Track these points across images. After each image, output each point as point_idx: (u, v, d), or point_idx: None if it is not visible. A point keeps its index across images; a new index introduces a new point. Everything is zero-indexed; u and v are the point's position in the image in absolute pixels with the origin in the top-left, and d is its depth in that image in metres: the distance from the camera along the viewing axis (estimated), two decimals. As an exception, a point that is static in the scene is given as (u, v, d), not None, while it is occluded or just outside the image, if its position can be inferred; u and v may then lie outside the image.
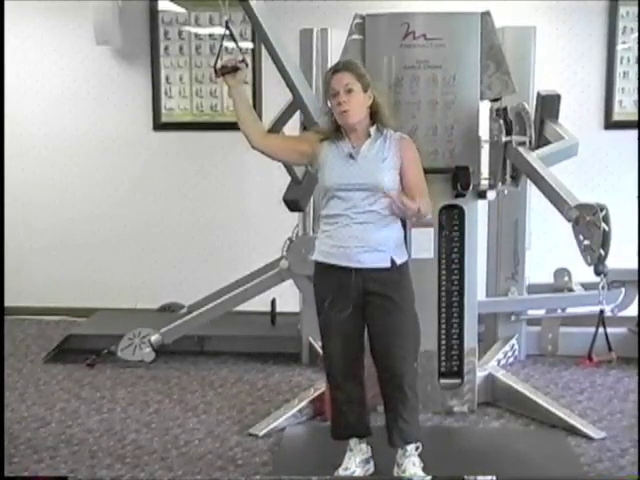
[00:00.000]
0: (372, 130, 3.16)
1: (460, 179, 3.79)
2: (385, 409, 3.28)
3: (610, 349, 3.32)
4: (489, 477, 3.19)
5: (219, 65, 3.20)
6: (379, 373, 3.25)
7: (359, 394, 3.31)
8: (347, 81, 3.08)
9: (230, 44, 3.37)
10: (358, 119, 3.12)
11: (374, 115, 3.16)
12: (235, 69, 3.19)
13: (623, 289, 4.58)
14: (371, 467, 3.36)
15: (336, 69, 3.15)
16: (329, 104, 3.17)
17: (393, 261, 3.14)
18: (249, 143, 3.22)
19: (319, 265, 3.23)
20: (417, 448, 3.28)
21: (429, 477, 3.21)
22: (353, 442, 3.34)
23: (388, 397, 3.24)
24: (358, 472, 3.30)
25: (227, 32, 3.34)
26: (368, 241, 3.10)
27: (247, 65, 3.27)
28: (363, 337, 3.26)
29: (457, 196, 3.87)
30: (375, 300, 3.16)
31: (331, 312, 3.18)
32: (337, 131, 3.18)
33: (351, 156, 3.13)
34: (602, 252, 3.25)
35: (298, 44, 4.57)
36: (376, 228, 3.10)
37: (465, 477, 3.17)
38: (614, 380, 4.49)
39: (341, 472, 3.30)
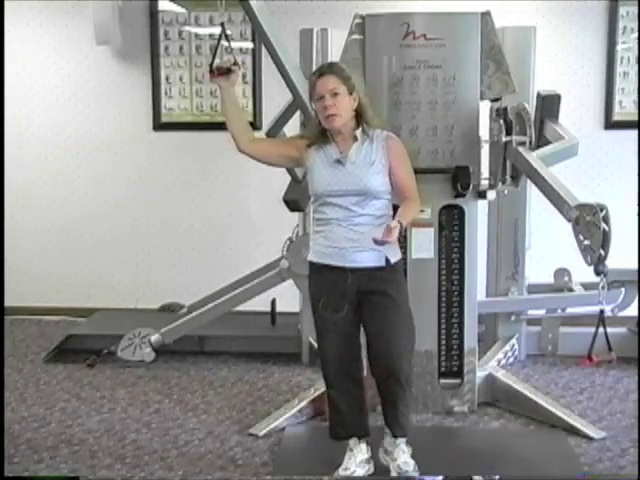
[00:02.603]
0: (358, 133, 3.15)
1: (460, 179, 3.79)
2: (383, 404, 3.31)
3: (610, 349, 3.32)
4: (496, 477, 3.19)
5: (215, 65, 3.21)
6: (376, 370, 3.27)
7: (357, 394, 3.32)
8: (333, 85, 3.07)
9: (226, 44, 3.37)
10: (344, 122, 3.12)
11: (359, 116, 3.16)
12: (229, 71, 3.19)
13: (623, 289, 4.58)
14: (371, 467, 3.36)
15: (321, 73, 3.13)
16: (314, 107, 3.17)
17: (387, 260, 3.16)
18: (236, 146, 3.22)
19: (314, 265, 3.24)
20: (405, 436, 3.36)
21: (440, 477, 3.24)
22: (353, 442, 3.34)
23: (387, 393, 3.26)
24: (358, 472, 3.31)
25: (223, 34, 3.33)
26: (363, 242, 3.11)
27: (240, 68, 3.27)
28: (359, 337, 3.28)
29: (457, 196, 3.86)
30: (371, 299, 3.17)
31: (326, 312, 3.20)
32: (323, 135, 3.18)
33: (339, 162, 3.14)
34: (602, 252, 3.25)
35: (298, 44, 4.56)
36: (370, 229, 3.09)
37: (474, 477, 3.18)
38: (614, 380, 4.49)
39: (341, 472, 3.30)
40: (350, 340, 3.25)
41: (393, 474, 3.29)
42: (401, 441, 3.31)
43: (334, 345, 3.24)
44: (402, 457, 3.29)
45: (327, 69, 3.15)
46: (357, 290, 3.16)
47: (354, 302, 3.18)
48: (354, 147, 3.15)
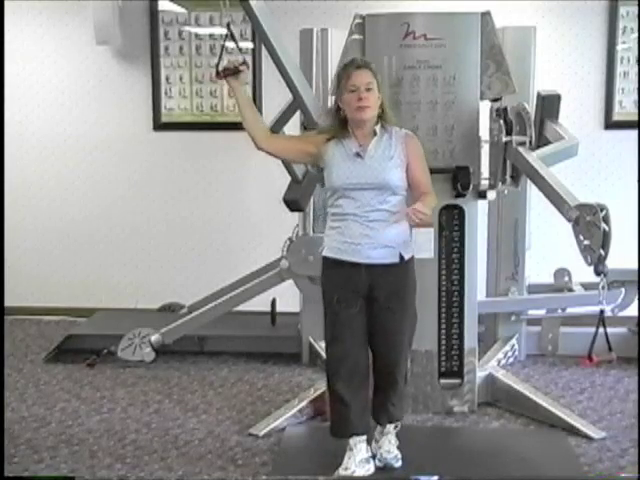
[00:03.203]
0: (377, 128, 3.20)
1: (460, 179, 3.79)
2: (374, 390, 3.37)
3: (610, 349, 3.32)
4: None
5: (221, 67, 3.20)
6: (376, 364, 3.33)
7: (362, 391, 3.34)
8: (368, 79, 3.14)
9: (231, 44, 3.37)
10: (371, 116, 3.17)
11: (380, 114, 3.21)
12: (237, 71, 3.19)
13: (623, 289, 4.58)
14: (371, 467, 3.37)
15: (358, 65, 3.19)
16: (341, 99, 3.18)
17: (401, 256, 3.20)
18: (254, 144, 3.25)
19: (328, 261, 3.26)
20: (396, 427, 3.44)
21: (435, 477, 3.25)
22: (353, 442, 3.34)
23: (382, 383, 3.35)
24: (358, 472, 3.31)
25: (228, 34, 3.33)
26: (379, 238, 3.15)
27: (248, 67, 3.29)
28: (367, 333, 3.29)
29: (457, 196, 3.87)
30: (382, 295, 3.21)
31: (339, 308, 3.22)
32: (343, 129, 3.21)
33: (358, 155, 3.17)
34: (602, 252, 3.25)
35: (298, 44, 4.56)
36: (386, 225, 3.14)
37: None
38: (614, 380, 4.49)
39: (341, 472, 3.30)
40: (360, 336, 3.27)
41: (377, 464, 3.40)
42: (389, 431, 3.42)
43: (345, 340, 3.25)
44: (386, 446, 3.42)
45: (363, 63, 3.22)
46: (370, 286, 3.20)
47: (365, 298, 3.22)
48: (373, 141, 3.19)
